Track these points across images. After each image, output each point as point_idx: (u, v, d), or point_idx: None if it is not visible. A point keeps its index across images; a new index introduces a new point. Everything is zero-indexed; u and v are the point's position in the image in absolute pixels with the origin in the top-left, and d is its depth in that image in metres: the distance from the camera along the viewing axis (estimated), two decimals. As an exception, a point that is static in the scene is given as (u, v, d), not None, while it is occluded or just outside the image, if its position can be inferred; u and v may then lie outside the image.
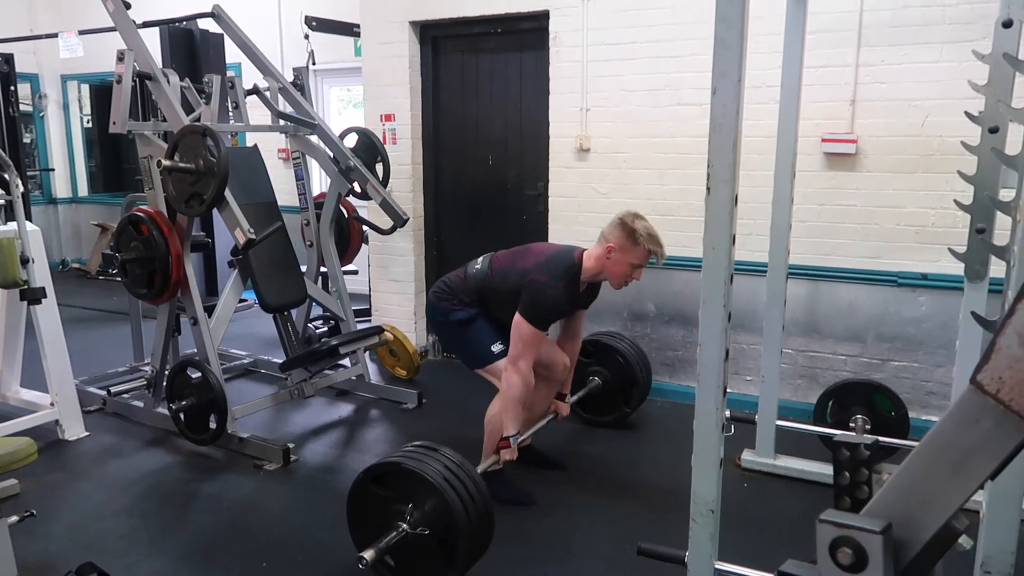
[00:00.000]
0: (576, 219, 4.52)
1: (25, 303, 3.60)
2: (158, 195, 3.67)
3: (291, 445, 3.66)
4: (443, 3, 4.72)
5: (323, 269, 4.59)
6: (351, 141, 4.53)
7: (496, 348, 3.09)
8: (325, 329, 4.83)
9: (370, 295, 5.42)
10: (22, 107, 7.97)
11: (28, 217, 3.79)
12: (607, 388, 3.93)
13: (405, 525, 2.40)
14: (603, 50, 4.30)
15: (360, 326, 4.60)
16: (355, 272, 5.67)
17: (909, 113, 3.65)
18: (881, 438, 2.73)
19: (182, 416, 3.66)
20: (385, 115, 5.02)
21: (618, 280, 3.03)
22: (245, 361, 5.03)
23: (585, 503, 3.20)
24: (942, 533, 0.95)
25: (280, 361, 4.33)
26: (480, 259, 3.22)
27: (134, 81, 3.65)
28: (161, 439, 3.88)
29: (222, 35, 5.49)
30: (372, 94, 5.08)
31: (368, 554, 2.31)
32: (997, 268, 2.51)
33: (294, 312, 4.38)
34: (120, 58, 3.60)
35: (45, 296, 3.58)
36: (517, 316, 2.95)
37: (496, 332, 3.13)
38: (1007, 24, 2.49)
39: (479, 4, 4.62)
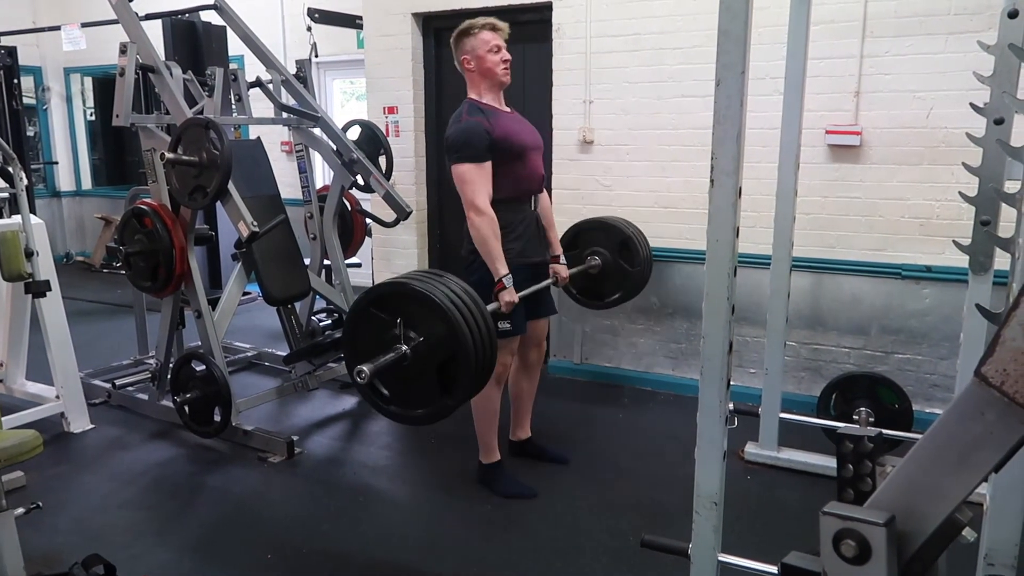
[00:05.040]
0: (579, 212, 4.50)
1: (30, 296, 3.61)
2: (162, 188, 3.67)
3: (295, 438, 3.67)
4: (446, -5, 4.71)
5: (326, 262, 4.59)
6: (354, 134, 4.53)
7: (502, 325, 2.91)
8: (329, 322, 4.83)
9: (373, 288, 5.42)
10: (25, 100, 7.99)
11: (32, 210, 3.80)
12: (606, 270, 3.67)
13: (404, 346, 2.22)
14: (606, 42, 4.29)
15: (363, 319, 4.59)
16: (358, 265, 5.67)
17: (914, 104, 3.64)
18: (885, 431, 2.72)
19: (187, 409, 3.67)
20: (388, 107, 5.02)
21: (493, 72, 2.94)
22: (249, 354, 5.04)
23: (588, 496, 3.20)
24: (945, 525, 0.95)
25: (284, 354, 4.34)
26: None
27: (137, 74, 3.65)
28: (166, 432, 3.90)
29: (224, 27, 5.49)
30: (375, 86, 5.07)
31: (367, 367, 2.15)
32: (1002, 260, 2.51)
33: (298, 305, 4.39)
34: (123, 51, 3.59)
35: (50, 289, 3.58)
36: (452, 169, 2.88)
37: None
38: (1013, 14, 2.48)
39: (482, -4, 4.60)
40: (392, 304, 2.30)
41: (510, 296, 2.83)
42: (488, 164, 2.87)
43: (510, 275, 2.85)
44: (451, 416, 4.13)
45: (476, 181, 2.84)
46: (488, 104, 2.97)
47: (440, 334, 2.22)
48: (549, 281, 3.23)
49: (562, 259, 3.34)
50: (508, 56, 2.97)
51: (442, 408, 2.30)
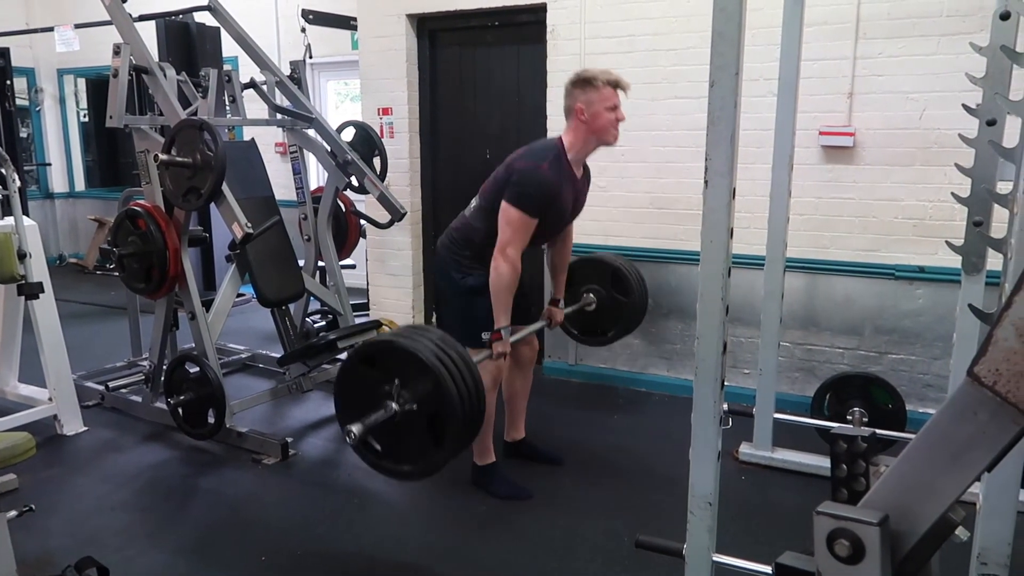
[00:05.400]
0: (574, 213, 4.51)
1: (22, 298, 3.59)
2: (155, 189, 3.66)
3: (289, 439, 3.66)
4: (440, -4, 4.71)
5: (321, 263, 4.59)
6: (348, 135, 4.53)
7: (485, 336, 2.93)
8: (323, 323, 4.82)
9: (368, 289, 5.42)
10: (18, 101, 7.96)
11: (25, 212, 3.78)
12: (601, 305, 3.69)
13: (394, 404, 2.27)
14: (601, 43, 4.29)
15: (358, 320, 4.60)
16: (353, 266, 5.67)
17: (907, 106, 3.65)
18: (878, 431, 2.73)
19: (180, 411, 3.66)
20: (382, 109, 5.01)
21: (606, 131, 2.87)
22: (243, 356, 5.03)
23: (582, 497, 3.21)
24: (939, 525, 0.96)
25: (278, 355, 4.33)
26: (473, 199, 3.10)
27: (130, 75, 3.64)
28: (159, 434, 3.88)
29: (218, 28, 5.48)
30: (369, 88, 5.07)
31: (356, 427, 2.20)
32: (994, 261, 2.52)
33: (292, 306, 4.38)
34: (116, 52, 3.59)
35: (42, 291, 3.57)
36: (504, 203, 2.82)
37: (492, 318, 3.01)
38: (1005, 16, 2.49)
39: (476, -3, 4.61)
40: (382, 361, 2.34)
41: (503, 348, 2.88)
42: (536, 220, 2.86)
43: (510, 328, 2.90)
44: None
45: (521, 231, 2.84)
46: (570, 164, 2.92)
47: (427, 392, 2.26)
48: (542, 323, 3.31)
49: (561, 303, 3.40)
50: (623, 116, 2.91)
51: (431, 465, 2.33)
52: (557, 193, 2.87)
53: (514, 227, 2.82)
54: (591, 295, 3.69)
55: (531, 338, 3.32)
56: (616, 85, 2.85)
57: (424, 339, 2.32)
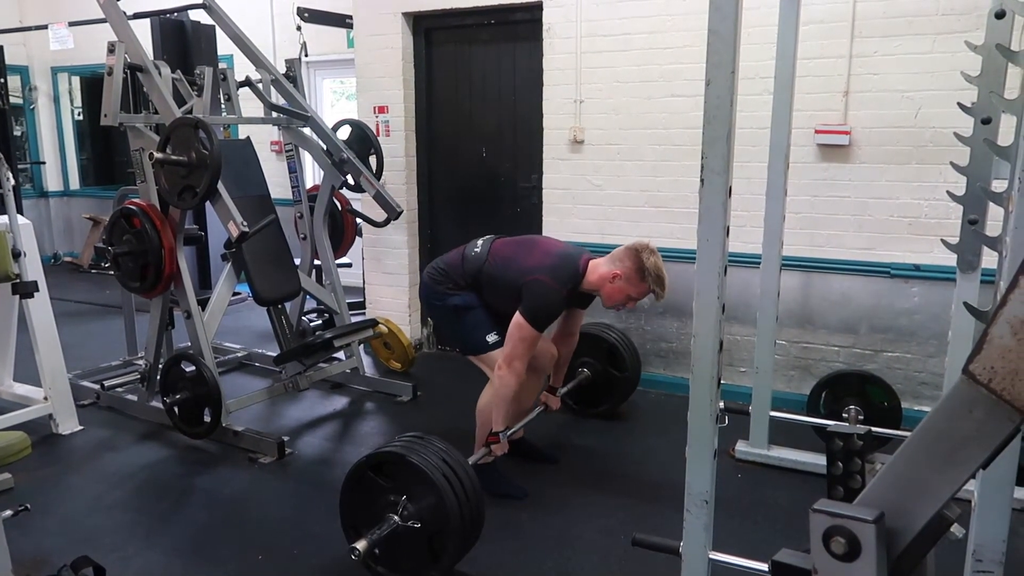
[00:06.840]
0: (570, 211, 4.52)
1: (17, 297, 3.58)
2: (150, 188, 3.65)
3: (286, 438, 3.65)
4: (436, -6, 4.70)
5: (317, 262, 4.58)
6: (344, 133, 4.52)
7: (491, 339, 3.09)
8: (319, 322, 4.82)
9: (364, 288, 5.42)
10: (12, 99, 7.93)
11: (19, 210, 3.77)
12: (596, 379, 3.92)
13: (396, 517, 2.41)
14: (597, 41, 4.29)
15: (354, 319, 4.60)
16: (349, 265, 5.67)
17: (902, 104, 3.66)
18: (874, 428, 2.75)
19: (176, 410, 3.65)
20: (378, 107, 5.00)
21: (611, 303, 3.05)
22: (239, 354, 5.02)
23: (579, 495, 3.21)
24: (934, 522, 0.96)
25: (274, 354, 4.32)
26: (480, 241, 3.19)
27: (125, 73, 3.63)
28: (155, 433, 3.87)
29: (214, 26, 5.45)
30: (365, 86, 5.06)
31: (361, 545, 2.33)
32: (989, 259, 2.52)
33: (288, 305, 4.37)
34: (111, 50, 3.58)
35: (37, 290, 3.56)
36: (517, 316, 2.93)
37: (492, 322, 3.12)
38: (1000, 15, 2.50)
39: (472, -5, 4.60)
40: (388, 472, 2.49)
41: (501, 450, 3.03)
42: (542, 333, 3.04)
43: (508, 431, 3.04)
44: (442, 412, 4.14)
45: (530, 345, 2.98)
46: (585, 289, 3.05)
47: (431, 511, 2.42)
48: (539, 409, 3.43)
49: (559, 391, 3.55)
50: (632, 307, 3.14)
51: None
52: (561, 311, 3.13)
53: (526, 342, 2.95)
54: (586, 370, 3.91)
55: (548, 344, 3.34)
56: (656, 295, 3.01)
57: (433, 456, 2.47)
